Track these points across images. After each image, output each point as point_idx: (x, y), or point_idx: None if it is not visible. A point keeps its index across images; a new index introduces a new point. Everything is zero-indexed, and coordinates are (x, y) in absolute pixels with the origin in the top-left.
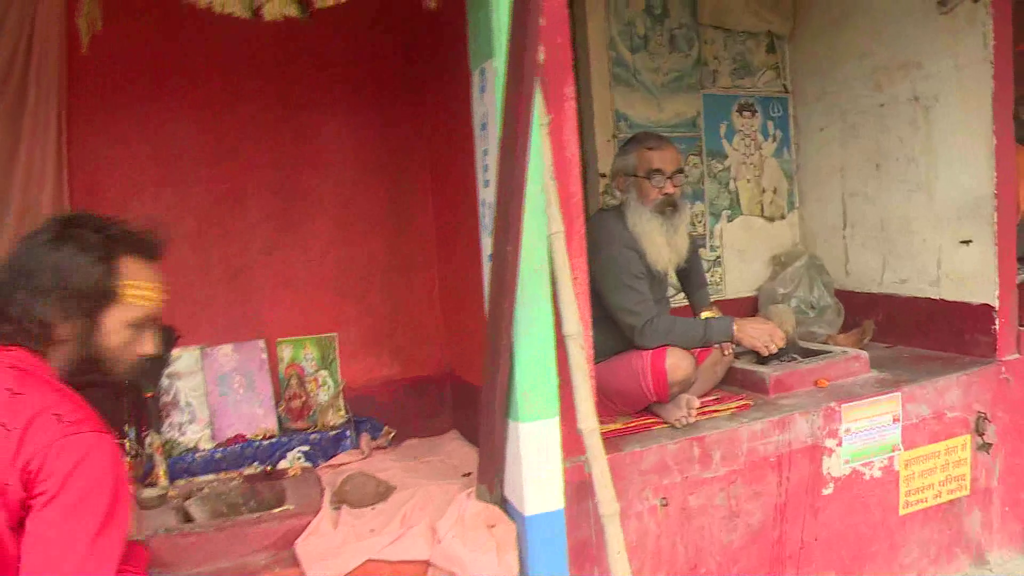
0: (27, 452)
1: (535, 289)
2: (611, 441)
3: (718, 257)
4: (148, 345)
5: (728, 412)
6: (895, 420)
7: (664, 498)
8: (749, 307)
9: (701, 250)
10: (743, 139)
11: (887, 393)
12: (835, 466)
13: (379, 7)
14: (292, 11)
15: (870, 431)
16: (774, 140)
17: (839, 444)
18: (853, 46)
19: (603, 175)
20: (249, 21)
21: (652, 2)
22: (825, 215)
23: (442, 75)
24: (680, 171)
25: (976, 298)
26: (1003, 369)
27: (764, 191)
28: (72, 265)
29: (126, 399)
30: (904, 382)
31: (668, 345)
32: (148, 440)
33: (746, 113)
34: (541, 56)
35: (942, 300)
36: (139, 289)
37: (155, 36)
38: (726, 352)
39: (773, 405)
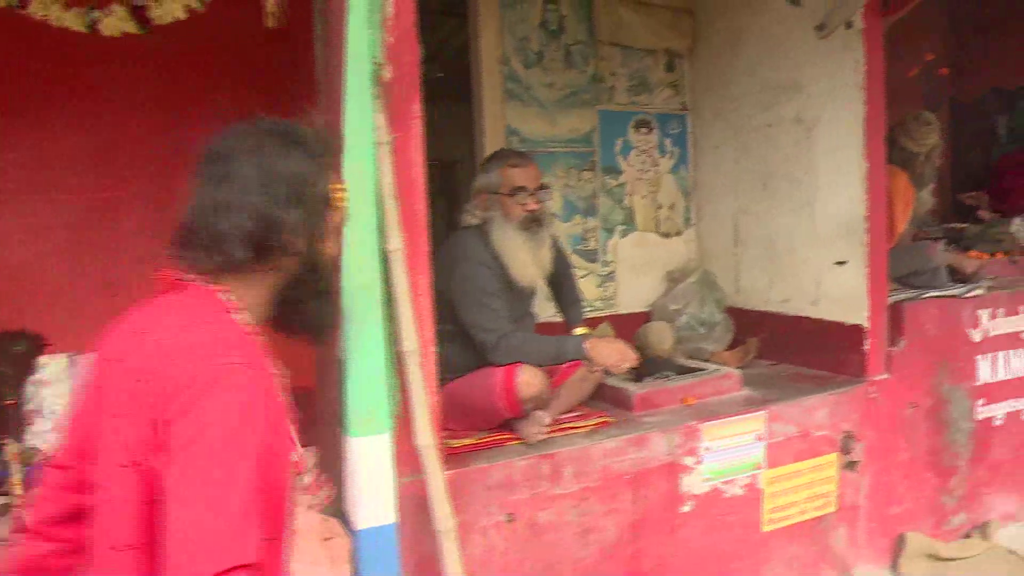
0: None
1: (365, 305)
2: (460, 457)
3: (611, 272)
4: (338, 249)
5: (587, 429)
6: (759, 439)
7: (511, 514)
8: (642, 322)
9: (593, 265)
10: (640, 155)
11: (752, 412)
12: (694, 484)
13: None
14: (130, 27)
15: (732, 449)
16: (671, 157)
17: (699, 462)
18: (745, 65)
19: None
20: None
21: (548, 18)
22: (719, 232)
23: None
24: (543, 187)
25: (849, 318)
26: (872, 389)
27: (660, 207)
28: (307, 171)
29: None
30: (772, 401)
31: (520, 362)
32: (6, 448)
33: (643, 129)
34: (387, 74)
35: (820, 320)
36: (341, 191)
37: (15, 43)
38: (595, 369)
39: (636, 422)
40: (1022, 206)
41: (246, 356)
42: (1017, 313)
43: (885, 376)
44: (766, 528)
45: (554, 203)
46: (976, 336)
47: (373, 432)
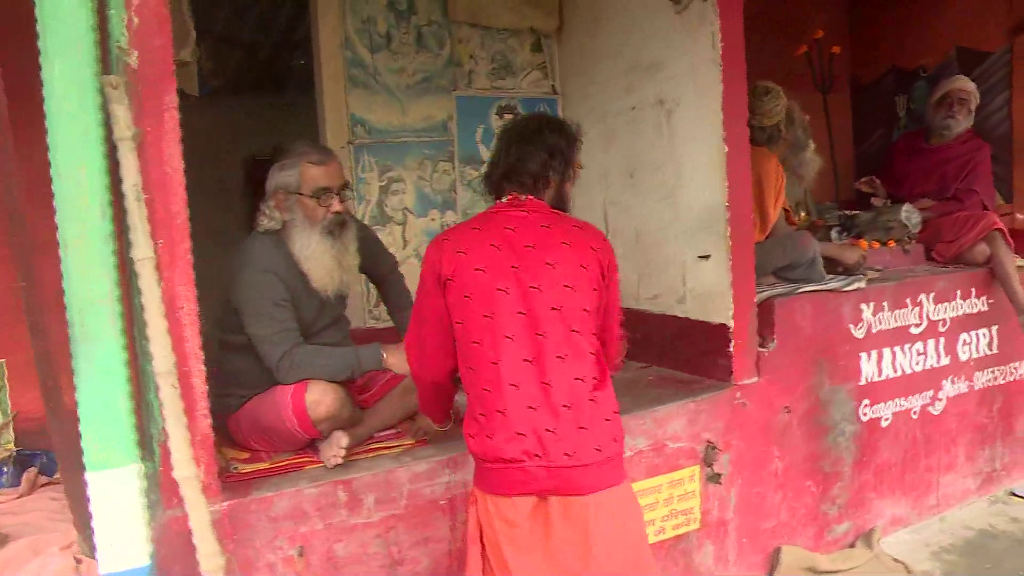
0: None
1: (98, 322)
2: (246, 484)
3: None
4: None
5: (400, 449)
6: None
7: (301, 547)
8: None
9: None
10: None
11: None
12: None
13: None
14: None
15: None
16: None
17: None
18: (609, 45)
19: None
20: None
21: None
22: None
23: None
24: (346, 186)
25: (714, 317)
26: (739, 394)
27: None
28: (570, 143)
29: None
30: (623, 412)
31: (311, 378)
32: None
33: (507, 116)
34: (132, 60)
35: (687, 319)
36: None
37: None
38: None
39: (457, 441)
40: (917, 192)
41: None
42: (904, 306)
43: (754, 379)
44: None
45: (407, 197)
46: (859, 332)
47: (113, 465)
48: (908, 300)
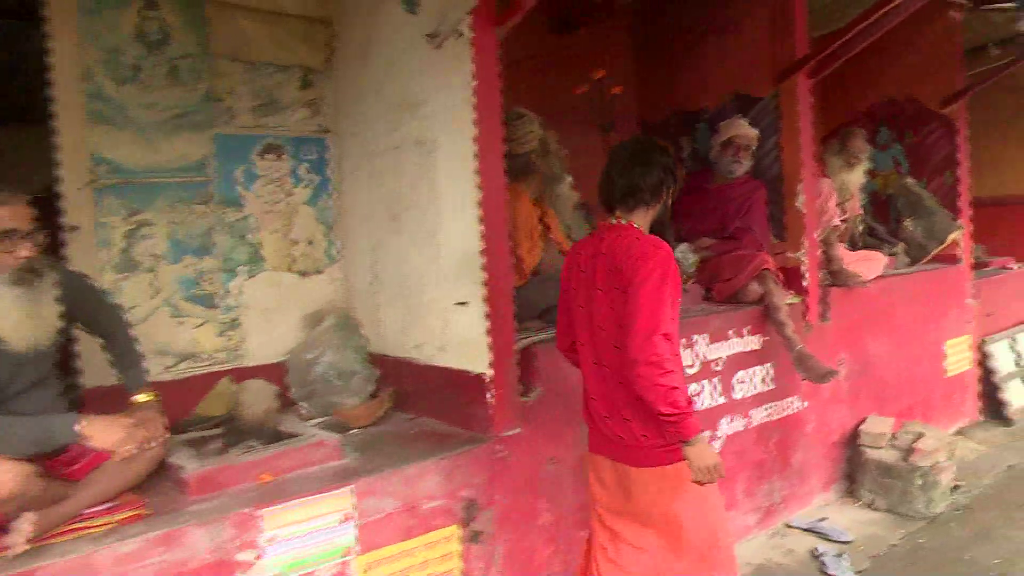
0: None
1: None
2: None
3: (235, 319)
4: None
5: (108, 527)
6: (346, 519)
7: None
8: (278, 375)
9: (211, 312)
10: (268, 185)
11: (332, 489)
12: None
13: None
14: None
15: (310, 536)
16: (309, 185)
17: (260, 556)
18: (374, 81)
19: (73, 227)
20: None
21: (146, 27)
22: (360, 270)
23: None
24: (37, 229)
25: (473, 367)
26: (500, 447)
27: (296, 243)
28: (666, 164)
29: None
30: (368, 472)
31: None
32: None
33: (272, 155)
34: None
35: (449, 368)
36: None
37: None
38: (152, 443)
39: (181, 512)
40: (700, 231)
41: (658, 243)
42: (691, 345)
43: (517, 430)
44: None
45: (159, 242)
46: None
47: None
48: (681, 341)
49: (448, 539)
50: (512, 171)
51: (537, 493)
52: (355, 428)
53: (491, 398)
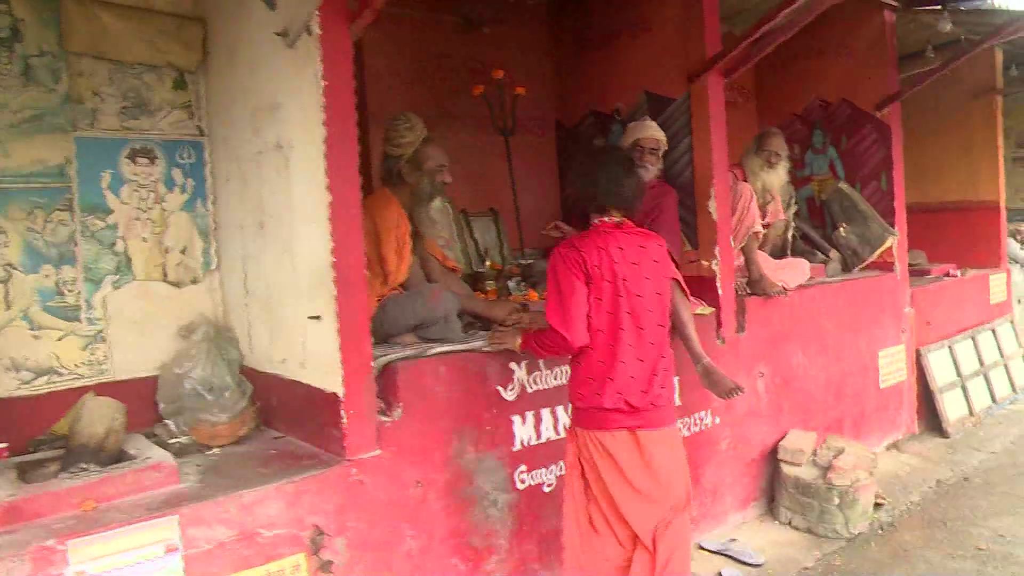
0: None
1: None
2: None
3: (100, 332)
4: None
5: None
6: (170, 550)
7: None
8: (149, 390)
9: (73, 324)
10: (138, 191)
11: (155, 518)
12: None
13: None
14: None
15: (128, 569)
16: (184, 191)
17: None
18: (241, 83)
19: None
20: None
21: None
22: (234, 280)
23: None
24: None
25: (328, 385)
26: (355, 470)
27: (169, 251)
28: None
29: None
30: (201, 498)
31: None
32: None
33: (142, 160)
34: None
35: (309, 386)
36: None
37: None
38: None
39: None
40: None
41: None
42: (565, 363)
43: (375, 453)
44: None
45: (11, 251)
46: (510, 394)
47: None
48: (570, 356)
49: (295, 569)
50: (387, 173)
51: (400, 519)
52: (215, 447)
53: (345, 418)
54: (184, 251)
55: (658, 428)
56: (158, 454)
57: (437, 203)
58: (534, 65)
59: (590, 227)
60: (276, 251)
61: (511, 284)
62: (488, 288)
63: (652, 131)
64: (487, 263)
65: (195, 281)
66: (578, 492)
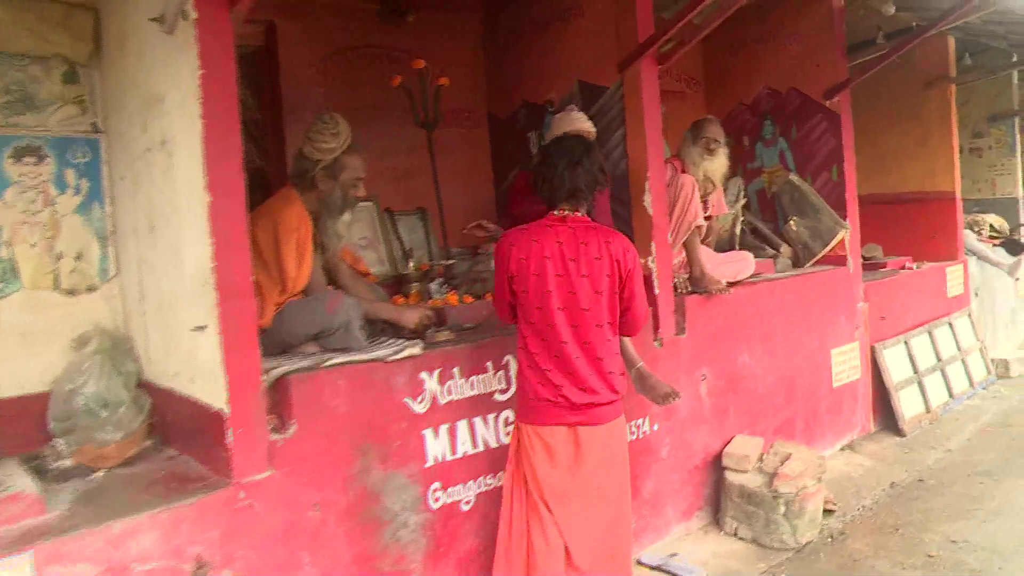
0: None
1: None
2: None
3: None
4: None
5: None
6: None
7: None
8: (40, 407)
9: None
10: (25, 192)
11: (6, 557)
12: None
13: None
14: None
15: None
16: (78, 192)
17: None
18: (130, 73)
19: None
20: None
21: None
22: (132, 287)
23: None
24: None
25: (214, 400)
26: (242, 494)
27: (62, 257)
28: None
29: None
30: (64, 531)
31: None
32: None
33: (28, 159)
34: None
35: (197, 401)
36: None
37: None
38: None
39: None
40: None
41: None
42: (485, 371)
43: (266, 474)
44: None
45: None
46: (420, 406)
47: None
48: (490, 364)
49: None
50: (298, 173)
51: (296, 546)
52: (100, 470)
53: (230, 437)
54: (79, 257)
55: (597, 424)
56: (21, 482)
57: (346, 218)
58: (465, 55)
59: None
60: (166, 256)
61: (433, 286)
62: (411, 291)
63: (579, 123)
64: (411, 264)
65: (91, 289)
66: (517, 491)
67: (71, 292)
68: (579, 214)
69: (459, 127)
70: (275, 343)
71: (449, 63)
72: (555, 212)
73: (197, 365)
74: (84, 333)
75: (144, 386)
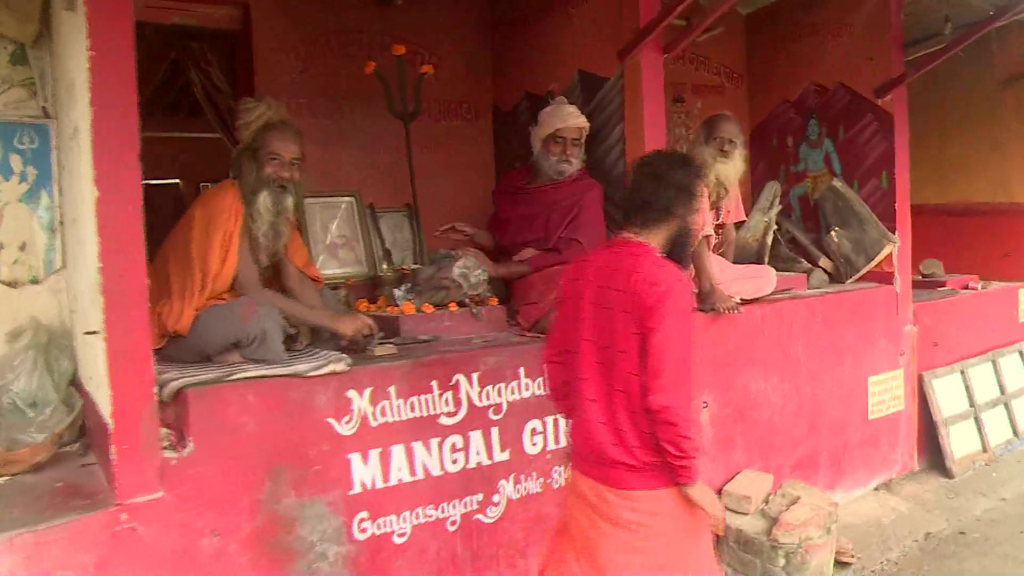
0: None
1: None
2: None
3: None
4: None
5: None
6: None
7: None
8: None
9: None
10: None
11: None
12: None
13: None
14: None
15: None
16: (24, 180)
17: None
18: (64, 55)
19: None
20: None
21: None
22: (80, 281)
23: None
24: None
25: (104, 412)
26: (125, 516)
27: (3, 247)
28: (690, 181)
29: None
30: None
31: None
32: None
33: None
34: None
35: (99, 410)
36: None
37: None
38: None
39: None
40: (520, 241)
41: (676, 275)
42: (428, 391)
43: (156, 495)
44: None
45: None
46: (346, 428)
47: None
48: (434, 383)
49: None
50: (234, 162)
51: (190, 574)
52: (3, 477)
53: (114, 453)
54: (23, 247)
55: (627, 490)
56: None
57: (262, 199)
58: (462, 43)
59: None
60: (80, 252)
61: (398, 292)
62: (381, 295)
63: (572, 119)
64: (384, 266)
65: (35, 281)
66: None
67: (12, 284)
68: (640, 239)
69: (455, 119)
70: (194, 352)
71: (444, 50)
72: (625, 234)
73: (97, 372)
74: (18, 327)
75: (76, 386)
